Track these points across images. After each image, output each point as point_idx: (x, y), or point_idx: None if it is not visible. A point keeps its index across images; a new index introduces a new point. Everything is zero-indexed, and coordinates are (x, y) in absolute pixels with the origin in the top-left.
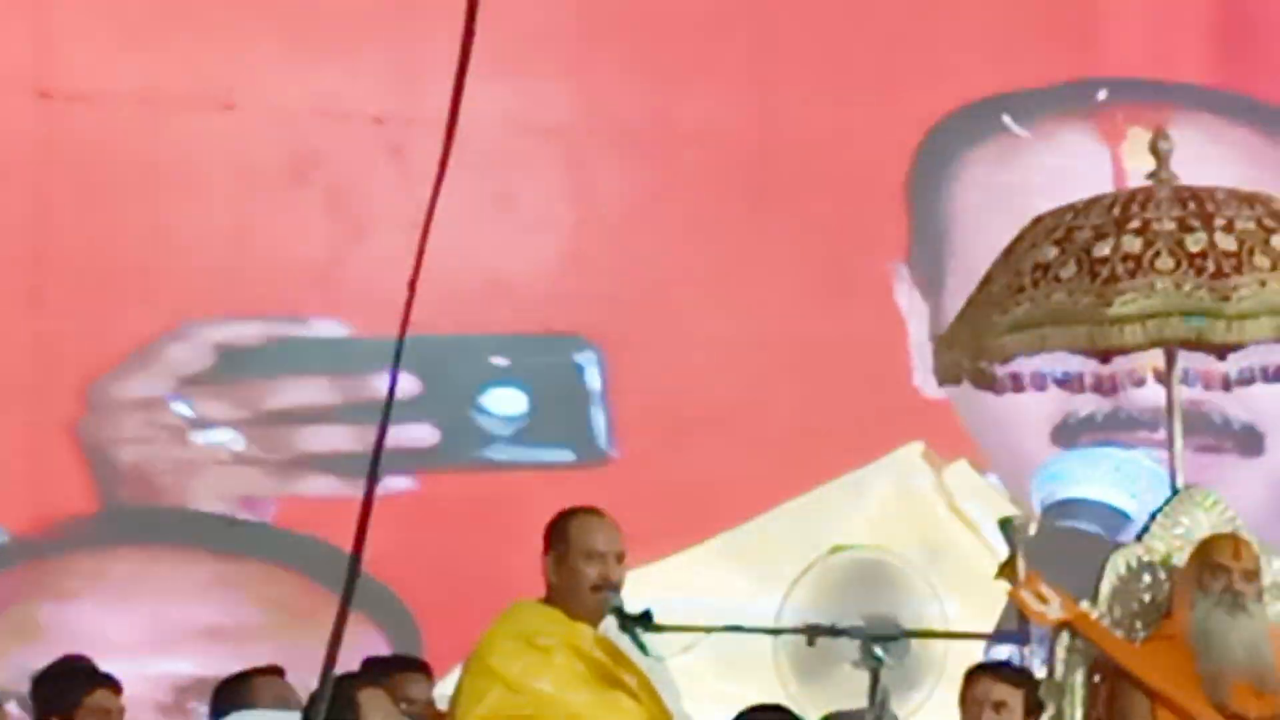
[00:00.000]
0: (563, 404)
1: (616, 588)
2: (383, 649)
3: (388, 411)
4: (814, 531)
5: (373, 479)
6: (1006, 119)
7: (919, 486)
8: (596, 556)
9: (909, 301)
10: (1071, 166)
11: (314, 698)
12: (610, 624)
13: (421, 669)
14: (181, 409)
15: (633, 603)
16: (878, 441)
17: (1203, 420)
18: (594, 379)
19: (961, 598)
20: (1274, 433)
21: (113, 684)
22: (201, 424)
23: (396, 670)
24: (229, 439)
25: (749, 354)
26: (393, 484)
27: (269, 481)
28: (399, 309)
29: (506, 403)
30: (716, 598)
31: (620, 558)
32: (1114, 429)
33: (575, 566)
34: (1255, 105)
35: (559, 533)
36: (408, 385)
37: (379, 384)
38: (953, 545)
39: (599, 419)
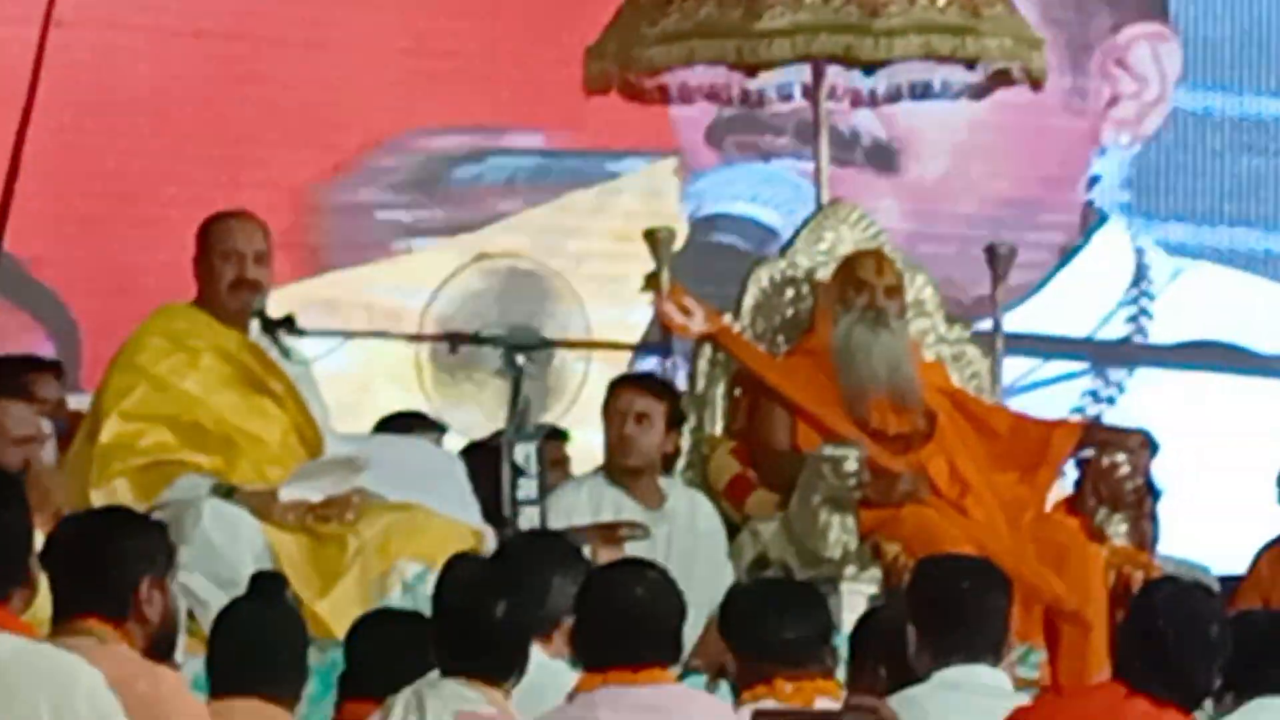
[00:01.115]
0: None
1: (254, 288)
2: (49, 351)
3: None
4: (557, 241)
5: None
6: None
7: (667, 200)
8: (234, 256)
9: None
10: None
11: None
12: (259, 330)
13: (51, 369)
14: None
15: (275, 307)
16: None
17: (835, 135)
18: None
19: None
20: (908, 150)
21: None
22: None
23: (26, 370)
24: None
25: None
26: None
27: None
28: None
29: None
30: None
31: (260, 258)
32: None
33: (213, 266)
34: None
35: (201, 234)
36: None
37: None
38: None
39: None
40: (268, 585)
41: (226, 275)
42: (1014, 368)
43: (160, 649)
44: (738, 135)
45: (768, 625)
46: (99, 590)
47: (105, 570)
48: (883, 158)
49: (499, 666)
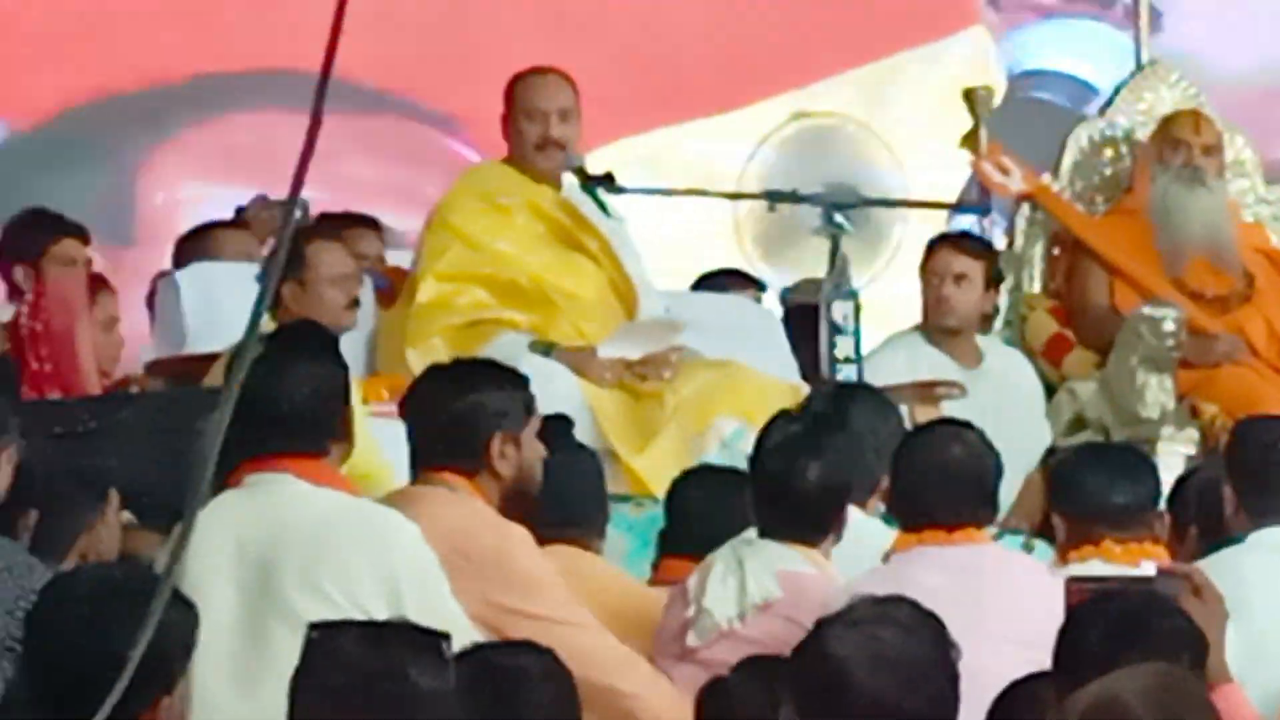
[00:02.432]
0: None
1: (560, 146)
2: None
3: None
4: (880, 101)
5: None
6: None
7: (992, 62)
8: (538, 115)
9: None
10: None
11: (273, 253)
12: (574, 187)
13: (372, 225)
14: None
15: (595, 163)
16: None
17: None
18: None
19: None
20: None
21: (81, 234)
22: None
23: (348, 226)
24: None
25: None
26: None
27: None
28: None
29: None
30: None
31: (565, 115)
32: None
33: (518, 126)
34: None
35: (507, 93)
36: None
37: None
38: None
39: None
40: (555, 429)
41: (531, 136)
42: None
43: (517, 503)
44: None
45: (1098, 489)
46: (452, 443)
47: (458, 424)
48: None
49: (814, 527)
